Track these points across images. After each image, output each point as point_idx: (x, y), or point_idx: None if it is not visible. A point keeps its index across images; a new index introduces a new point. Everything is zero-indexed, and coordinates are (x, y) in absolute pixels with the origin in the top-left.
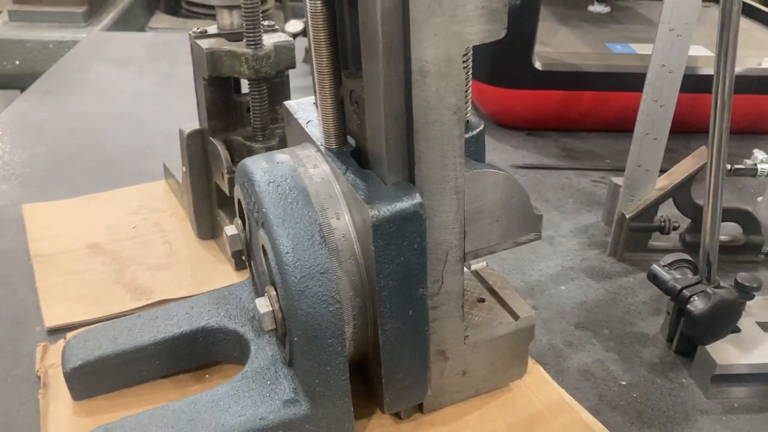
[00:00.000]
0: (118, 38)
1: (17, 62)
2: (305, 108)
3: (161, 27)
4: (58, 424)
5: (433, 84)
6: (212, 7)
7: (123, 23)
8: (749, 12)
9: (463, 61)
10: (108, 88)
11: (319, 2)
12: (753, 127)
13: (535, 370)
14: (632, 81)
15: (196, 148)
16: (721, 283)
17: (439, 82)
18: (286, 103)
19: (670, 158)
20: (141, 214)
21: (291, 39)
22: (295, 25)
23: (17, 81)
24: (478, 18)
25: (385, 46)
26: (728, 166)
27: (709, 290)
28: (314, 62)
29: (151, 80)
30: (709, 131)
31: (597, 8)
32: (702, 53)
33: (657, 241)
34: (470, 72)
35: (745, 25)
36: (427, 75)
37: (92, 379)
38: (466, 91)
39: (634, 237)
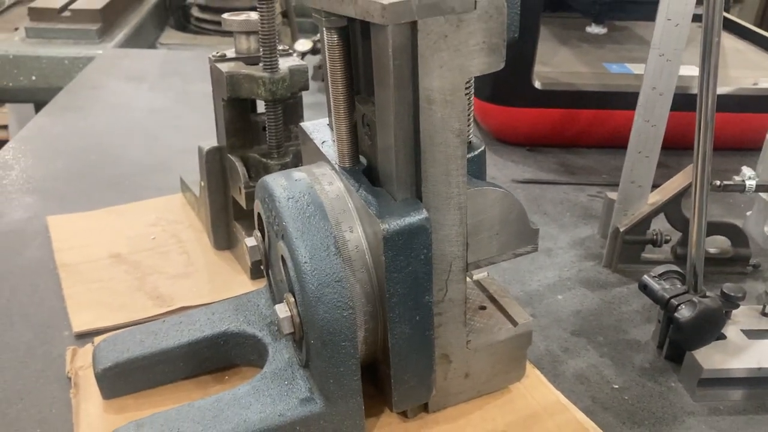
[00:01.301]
0: (131, 55)
1: (33, 77)
2: (320, 129)
3: (171, 43)
4: (89, 421)
5: (439, 110)
6: (219, 23)
7: (135, 39)
8: (744, 33)
9: (466, 90)
10: (123, 104)
11: (336, 36)
12: (748, 144)
13: (532, 374)
14: (628, 100)
15: (214, 164)
16: (708, 293)
17: (443, 109)
18: (302, 124)
19: (665, 174)
20: (159, 225)
21: (304, 63)
22: (304, 44)
23: (32, 95)
24: (479, 52)
25: (395, 77)
26: (718, 182)
27: (695, 299)
28: (330, 89)
29: (164, 96)
30: (693, 150)
31: (595, 29)
32: (695, 73)
33: (650, 253)
34: (472, 99)
35: (740, 46)
36: (433, 102)
37: (121, 380)
38: (469, 116)
39: (627, 249)
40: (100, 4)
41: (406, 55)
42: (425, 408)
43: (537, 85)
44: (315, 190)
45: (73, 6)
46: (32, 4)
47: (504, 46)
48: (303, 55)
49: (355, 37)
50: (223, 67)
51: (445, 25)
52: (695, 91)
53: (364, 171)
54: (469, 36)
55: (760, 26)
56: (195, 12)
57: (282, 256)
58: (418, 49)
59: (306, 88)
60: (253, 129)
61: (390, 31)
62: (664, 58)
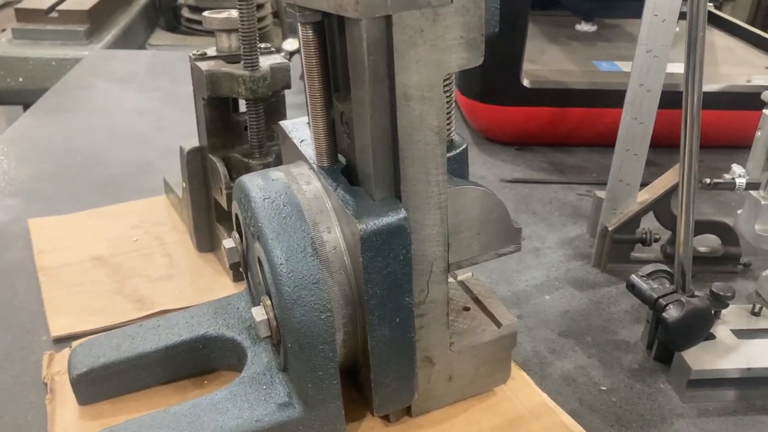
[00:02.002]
0: (119, 56)
1: (20, 79)
2: (299, 128)
3: (161, 44)
4: (64, 427)
5: (416, 107)
6: None
7: (124, 41)
8: (735, 31)
9: (445, 86)
10: (110, 106)
11: (311, 31)
12: (741, 142)
13: (518, 376)
14: (618, 98)
15: (195, 164)
16: (696, 292)
17: (421, 106)
18: (281, 123)
19: (654, 172)
20: (142, 227)
21: (286, 61)
22: (292, 44)
23: (20, 97)
24: (457, 47)
25: (371, 73)
26: (708, 180)
27: (683, 299)
28: (307, 86)
29: (151, 97)
30: (680, 148)
31: (584, 27)
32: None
33: (639, 252)
34: (452, 95)
35: (731, 43)
36: (411, 99)
37: (97, 385)
38: (449, 113)
39: (616, 249)
40: (87, 5)
41: (381, 50)
42: (408, 412)
43: (526, 83)
44: (292, 190)
45: (61, 7)
46: (19, 5)
47: (482, 41)
48: (291, 54)
49: (332, 33)
50: (203, 65)
51: (420, 19)
52: None
53: (342, 170)
54: (446, 30)
55: (752, 24)
56: (185, 13)
57: (258, 258)
58: (394, 44)
59: (288, 86)
60: (234, 128)
61: (364, 25)
62: (651, 55)
